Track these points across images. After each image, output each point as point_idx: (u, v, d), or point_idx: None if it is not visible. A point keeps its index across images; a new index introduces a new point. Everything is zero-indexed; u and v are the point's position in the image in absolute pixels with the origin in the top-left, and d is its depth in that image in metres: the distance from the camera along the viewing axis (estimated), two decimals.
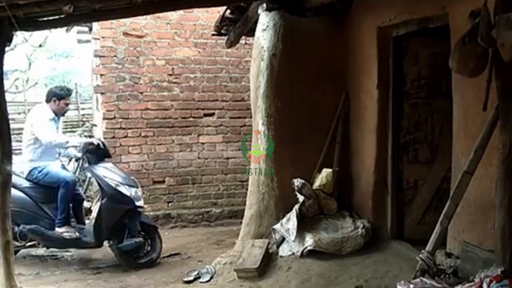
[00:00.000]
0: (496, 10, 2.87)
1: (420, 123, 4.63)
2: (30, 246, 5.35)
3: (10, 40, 3.90)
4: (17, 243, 5.18)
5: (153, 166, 6.97)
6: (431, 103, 4.59)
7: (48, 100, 5.40)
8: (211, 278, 4.43)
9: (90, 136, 7.38)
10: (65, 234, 5.13)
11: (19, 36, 4.18)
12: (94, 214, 5.41)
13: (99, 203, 5.27)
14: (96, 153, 5.30)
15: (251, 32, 5.56)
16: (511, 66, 2.83)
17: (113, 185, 5.17)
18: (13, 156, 4.14)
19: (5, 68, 3.92)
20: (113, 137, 6.68)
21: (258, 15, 5.03)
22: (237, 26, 5.92)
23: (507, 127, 2.97)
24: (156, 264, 5.34)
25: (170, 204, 7.04)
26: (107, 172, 5.27)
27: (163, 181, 7.01)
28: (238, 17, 5.71)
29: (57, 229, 5.16)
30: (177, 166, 7.07)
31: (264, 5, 4.90)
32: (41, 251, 5.55)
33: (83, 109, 14.72)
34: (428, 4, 3.90)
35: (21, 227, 5.16)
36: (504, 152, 2.97)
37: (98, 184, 5.29)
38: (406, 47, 4.56)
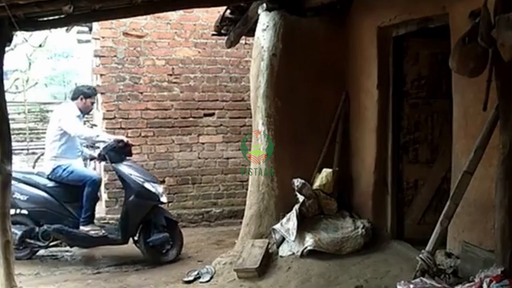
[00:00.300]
0: (496, 10, 2.87)
1: (420, 123, 4.63)
2: (53, 246, 5.43)
3: (10, 40, 3.89)
4: (40, 243, 5.27)
5: (153, 166, 6.96)
6: (431, 103, 4.59)
7: (74, 98, 5.50)
8: (211, 278, 4.43)
9: None
10: (91, 232, 5.18)
11: (19, 36, 4.19)
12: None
13: (124, 201, 5.40)
14: (119, 152, 5.38)
15: (251, 32, 5.56)
16: (511, 66, 2.83)
17: (140, 182, 5.29)
18: (13, 156, 4.14)
19: (5, 68, 3.92)
20: None
21: (258, 15, 5.03)
22: (237, 26, 5.92)
23: (507, 127, 2.97)
24: (157, 264, 5.35)
25: (170, 204, 7.02)
26: (132, 170, 5.40)
27: (163, 181, 6.99)
28: (238, 17, 5.71)
29: (82, 228, 5.20)
30: (177, 166, 7.07)
31: (264, 5, 4.90)
32: (41, 251, 5.55)
33: None
34: (428, 4, 3.90)
35: (45, 227, 5.22)
36: (504, 152, 2.97)
37: (123, 181, 5.39)
38: (406, 47, 4.56)
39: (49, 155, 5.36)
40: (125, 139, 5.48)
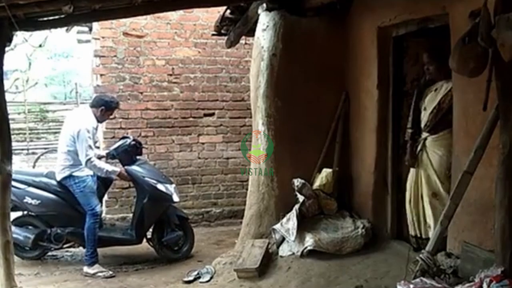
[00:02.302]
0: (496, 10, 2.87)
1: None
2: (67, 247, 5.44)
3: (10, 40, 3.89)
4: (53, 245, 5.26)
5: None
6: None
7: (94, 106, 5.25)
8: (211, 278, 4.44)
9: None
10: (98, 274, 4.97)
11: (19, 36, 4.19)
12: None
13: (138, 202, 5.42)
14: (130, 153, 5.40)
15: (251, 32, 5.56)
16: (511, 66, 2.83)
17: (153, 184, 5.31)
18: (13, 156, 4.14)
19: (5, 68, 3.92)
20: (113, 137, 6.67)
21: (258, 15, 5.03)
22: (237, 26, 5.92)
23: (507, 127, 2.97)
24: (157, 264, 5.36)
25: None
26: (145, 171, 5.42)
27: None
28: (238, 17, 5.72)
29: (86, 269, 5.01)
30: (177, 166, 7.07)
31: (264, 5, 4.90)
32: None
33: None
34: (428, 4, 3.90)
35: (58, 230, 5.21)
36: (504, 152, 2.97)
37: (136, 183, 5.40)
38: (406, 47, 4.56)
39: (62, 162, 5.15)
40: (137, 141, 5.46)
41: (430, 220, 4.04)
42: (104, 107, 5.24)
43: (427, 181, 4.07)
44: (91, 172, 5.20)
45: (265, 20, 4.92)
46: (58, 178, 5.20)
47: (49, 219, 5.25)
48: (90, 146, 5.06)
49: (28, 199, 5.14)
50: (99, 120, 5.32)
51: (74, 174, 5.12)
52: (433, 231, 3.93)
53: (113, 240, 5.39)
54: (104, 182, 5.49)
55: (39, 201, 5.16)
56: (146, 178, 5.34)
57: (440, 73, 4.06)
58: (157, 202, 5.32)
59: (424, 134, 4.13)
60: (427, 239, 3.94)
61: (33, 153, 13.60)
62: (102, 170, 5.18)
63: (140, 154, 5.61)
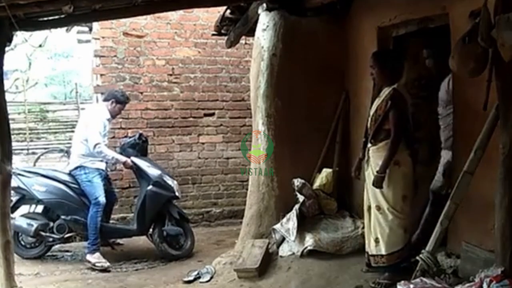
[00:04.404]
0: (496, 10, 2.88)
1: (420, 123, 4.62)
2: (68, 240, 5.43)
3: (10, 40, 3.89)
4: (55, 236, 5.33)
5: None
6: (431, 103, 4.58)
7: (106, 99, 5.55)
8: (211, 278, 4.44)
9: None
10: (97, 264, 5.10)
11: (19, 36, 4.19)
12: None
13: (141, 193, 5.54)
14: (136, 149, 5.55)
15: (251, 32, 5.56)
16: (511, 66, 2.83)
17: (157, 174, 5.48)
18: (13, 156, 4.14)
19: (5, 68, 3.91)
20: (113, 137, 6.66)
21: (258, 15, 5.04)
22: (237, 26, 5.92)
23: (507, 127, 2.97)
24: (157, 264, 5.36)
25: None
26: (149, 163, 5.61)
27: None
28: (238, 17, 5.72)
29: (88, 257, 5.15)
30: (177, 166, 7.07)
31: (264, 5, 4.91)
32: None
33: (83, 109, 14.75)
34: (428, 4, 3.90)
35: (61, 218, 5.30)
36: (504, 152, 2.98)
37: (140, 173, 5.53)
38: (406, 47, 4.56)
39: (76, 152, 5.40)
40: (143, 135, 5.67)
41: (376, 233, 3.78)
42: (115, 100, 5.51)
43: (372, 193, 3.82)
44: (101, 167, 5.38)
45: (265, 20, 4.92)
46: (69, 168, 5.42)
47: (54, 206, 5.34)
48: (100, 133, 5.29)
49: (36, 186, 5.30)
50: (112, 114, 5.54)
51: (85, 164, 5.31)
52: (382, 245, 3.71)
53: (115, 230, 5.52)
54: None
55: (45, 188, 5.30)
56: (150, 168, 5.51)
57: (382, 76, 3.83)
58: (160, 190, 5.43)
59: (369, 144, 3.89)
60: (374, 256, 3.79)
61: (33, 153, 13.60)
62: (108, 157, 5.38)
63: (146, 154, 5.75)
